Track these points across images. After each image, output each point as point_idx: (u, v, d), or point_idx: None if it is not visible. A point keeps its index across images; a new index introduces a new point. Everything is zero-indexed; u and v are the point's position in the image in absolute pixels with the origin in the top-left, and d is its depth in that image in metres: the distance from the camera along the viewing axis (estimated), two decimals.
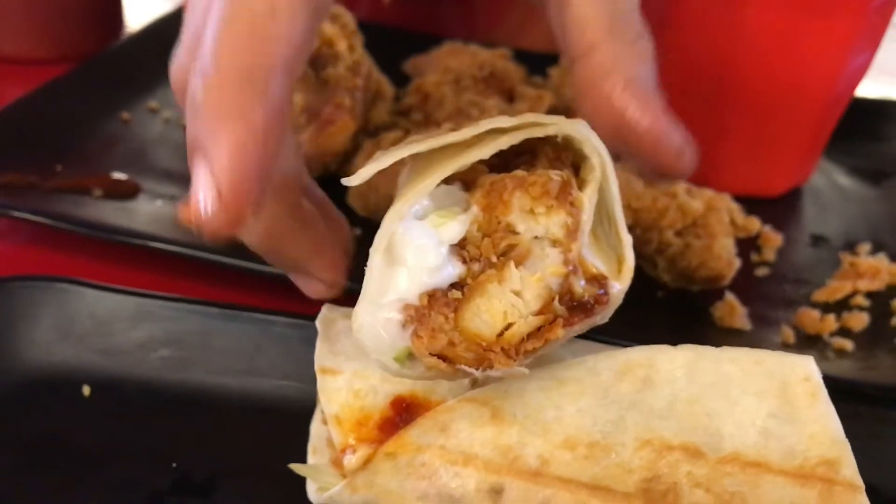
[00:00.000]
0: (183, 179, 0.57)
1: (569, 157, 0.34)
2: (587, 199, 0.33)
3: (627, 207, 0.50)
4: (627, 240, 0.34)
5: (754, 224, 0.52)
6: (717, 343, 0.49)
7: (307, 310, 0.46)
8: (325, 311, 0.39)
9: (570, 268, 0.32)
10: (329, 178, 0.58)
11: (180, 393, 0.42)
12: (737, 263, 0.50)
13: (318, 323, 0.38)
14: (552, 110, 0.62)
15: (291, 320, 0.44)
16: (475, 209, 0.31)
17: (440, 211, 0.30)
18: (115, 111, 0.65)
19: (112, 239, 0.49)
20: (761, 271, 0.55)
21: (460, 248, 0.31)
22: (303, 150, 0.54)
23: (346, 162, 0.58)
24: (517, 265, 0.31)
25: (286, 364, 0.43)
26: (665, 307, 0.52)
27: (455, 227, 0.30)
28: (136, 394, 0.42)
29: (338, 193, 0.56)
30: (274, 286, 0.50)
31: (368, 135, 0.61)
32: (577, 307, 0.32)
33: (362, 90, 0.58)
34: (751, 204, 0.61)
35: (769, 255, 0.56)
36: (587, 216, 0.32)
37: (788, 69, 0.56)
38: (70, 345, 0.43)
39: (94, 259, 0.51)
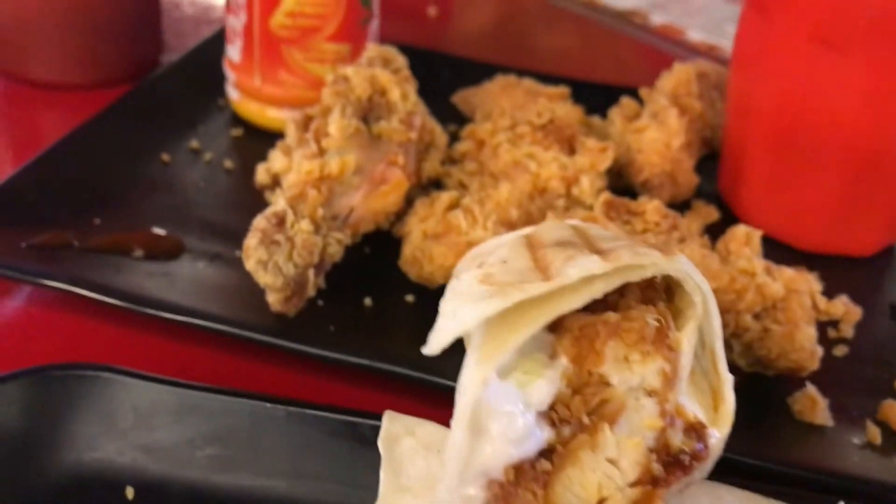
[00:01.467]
0: (226, 233, 0.54)
1: (662, 285, 0.31)
2: (686, 340, 0.29)
3: None
4: (728, 378, 0.31)
5: (838, 308, 0.49)
6: (795, 441, 0.46)
7: (362, 404, 0.44)
8: (387, 422, 0.36)
9: (668, 420, 0.29)
10: (380, 235, 0.55)
11: (227, 496, 0.40)
12: (819, 353, 0.47)
13: (380, 443, 0.35)
14: (615, 163, 0.59)
15: (344, 417, 0.41)
16: (564, 361, 0.28)
17: (525, 366, 0.27)
18: (154, 152, 0.62)
19: (156, 316, 0.47)
20: (839, 350, 0.52)
21: (549, 407, 0.28)
22: (354, 214, 0.51)
23: (399, 220, 0.55)
24: (611, 424, 0.28)
25: (338, 466, 0.40)
26: (738, 394, 0.48)
27: (543, 388, 0.27)
28: (181, 496, 0.40)
29: (389, 255, 0.54)
30: (325, 368, 0.47)
31: (420, 187, 0.58)
32: (672, 463, 0.29)
33: (416, 142, 0.55)
34: (822, 265, 0.58)
35: (847, 330, 0.53)
36: (686, 360, 0.29)
37: (888, 125, 0.52)
38: (112, 440, 0.41)
39: (133, 330, 0.49)
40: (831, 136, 0.53)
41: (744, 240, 0.49)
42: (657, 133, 0.59)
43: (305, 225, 0.47)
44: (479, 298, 0.27)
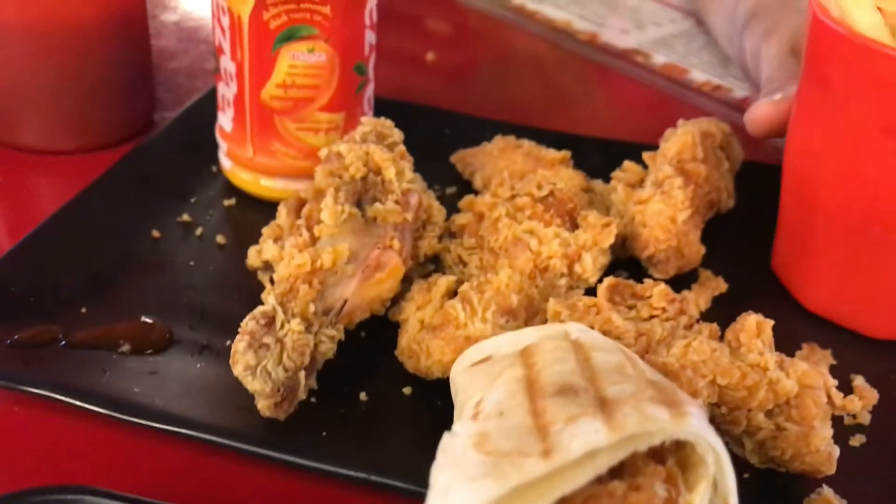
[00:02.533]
0: (216, 319, 0.53)
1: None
2: (698, 501, 0.27)
3: (712, 384, 0.45)
4: None
5: (855, 405, 0.47)
6: None
7: None
8: None
9: None
10: (375, 318, 0.53)
11: None
12: (836, 454, 0.45)
13: None
14: (619, 237, 0.57)
15: None
16: None
17: None
18: (145, 228, 0.60)
19: (139, 425, 0.45)
20: (856, 440, 0.50)
21: None
22: (349, 304, 0.49)
23: (394, 304, 0.53)
24: None
25: None
26: (751, 492, 0.46)
27: None
28: None
29: (385, 341, 0.52)
30: (318, 477, 0.45)
31: (417, 266, 0.56)
32: None
33: (412, 223, 0.53)
34: (835, 341, 0.56)
35: (863, 415, 0.51)
36: None
37: None
38: None
39: (119, 434, 0.47)
40: (885, 220, 0.51)
41: (755, 331, 0.47)
42: (662, 205, 0.57)
43: (296, 325, 0.45)
44: (473, 477, 0.25)
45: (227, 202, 0.65)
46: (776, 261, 0.62)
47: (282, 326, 0.45)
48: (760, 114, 0.60)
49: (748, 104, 0.90)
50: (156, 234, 0.60)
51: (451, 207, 0.60)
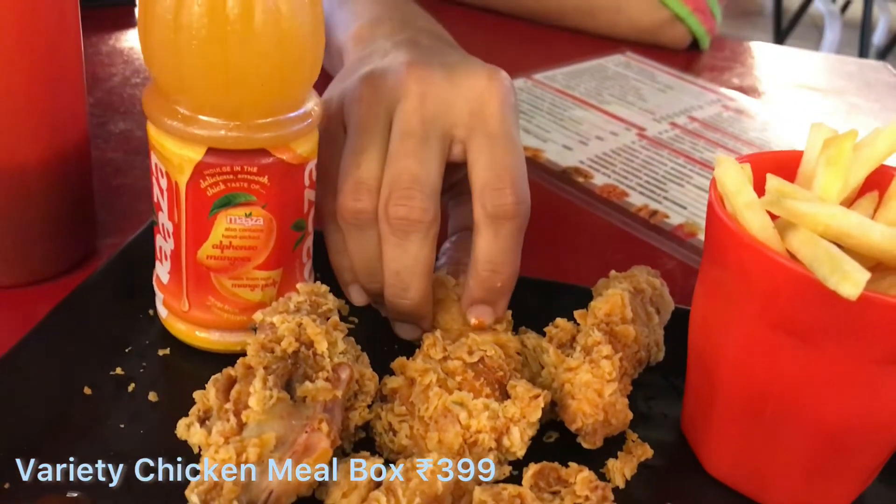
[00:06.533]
0: (145, 495, 0.52)
1: None
2: None
3: None
4: None
5: None
6: None
7: None
8: None
9: None
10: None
11: None
12: None
13: None
14: (547, 407, 0.58)
15: None
16: None
17: None
18: (77, 383, 0.60)
19: None
20: None
21: None
22: (274, 494, 0.49)
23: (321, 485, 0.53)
24: None
25: None
26: None
27: None
28: None
29: None
30: None
31: (348, 434, 0.56)
32: None
33: (343, 398, 0.54)
34: None
35: None
36: None
37: (865, 411, 0.51)
38: None
39: None
40: (797, 415, 0.52)
41: None
42: (590, 376, 0.58)
43: None
44: None
45: (162, 351, 0.65)
46: (684, 421, 0.63)
47: None
48: None
49: (682, 232, 0.93)
50: (87, 390, 0.60)
51: (389, 361, 0.61)
